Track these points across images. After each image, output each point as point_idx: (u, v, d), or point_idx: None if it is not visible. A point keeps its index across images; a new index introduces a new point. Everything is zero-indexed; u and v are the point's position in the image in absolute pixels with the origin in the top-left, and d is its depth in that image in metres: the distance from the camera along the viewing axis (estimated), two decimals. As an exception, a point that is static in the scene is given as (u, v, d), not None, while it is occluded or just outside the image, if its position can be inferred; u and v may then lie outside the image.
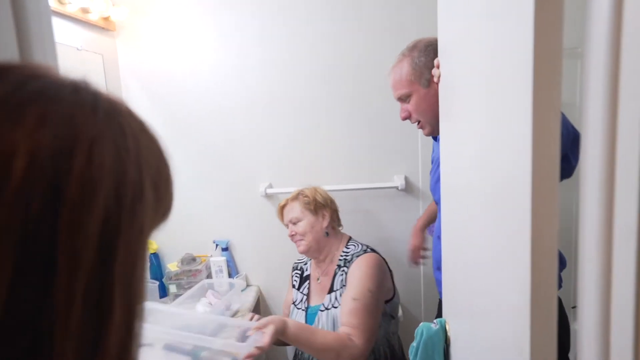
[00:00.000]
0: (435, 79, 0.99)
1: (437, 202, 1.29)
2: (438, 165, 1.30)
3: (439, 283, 1.30)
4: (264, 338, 1.12)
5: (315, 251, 1.44)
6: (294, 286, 1.55)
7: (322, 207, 1.44)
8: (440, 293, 1.32)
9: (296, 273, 1.58)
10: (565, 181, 0.96)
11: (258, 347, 1.12)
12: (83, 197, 0.28)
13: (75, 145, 0.28)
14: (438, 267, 1.28)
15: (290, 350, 1.86)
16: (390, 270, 1.42)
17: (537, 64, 0.50)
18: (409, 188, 1.83)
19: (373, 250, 1.40)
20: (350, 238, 1.48)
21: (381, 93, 1.79)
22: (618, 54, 0.42)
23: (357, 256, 1.36)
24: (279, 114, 1.86)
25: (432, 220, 1.56)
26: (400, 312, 1.77)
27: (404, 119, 1.25)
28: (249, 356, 1.13)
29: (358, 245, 1.43)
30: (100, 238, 0.29)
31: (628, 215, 0.41)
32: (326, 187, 1.79)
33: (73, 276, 0.28)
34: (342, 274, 1.36)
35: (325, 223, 1.43)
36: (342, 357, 1.20)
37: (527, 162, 0.52)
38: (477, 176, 0.74)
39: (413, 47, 1.19)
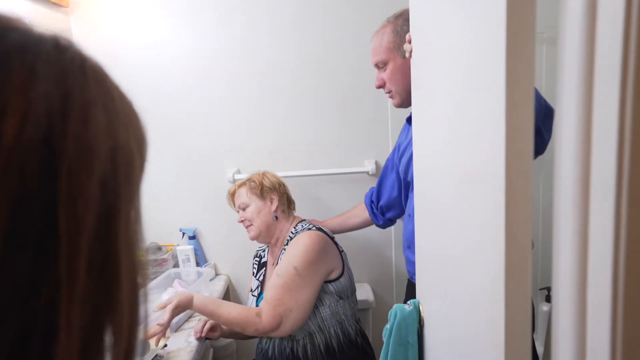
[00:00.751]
0: (407, 54, 0.97)
1: (409, 181, 1.28)
2: (404, 150, 1.30)
3: (408, 262, 1.30)
4: (164, 315, 1.20)
5: (266, 236, 1.43)
6: (253, 274, 1.53)
7: (270, 190, 1.43)
8: (409, 272, 1.32)
9: (255, 260, 1.57)
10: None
11: (159, 324, 1.20)
12: (81, 160, 0.27)
13: (69, 106, 0.27)
14: (408, 246, 1.28)
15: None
16: (342, 251, 1.40)
17: (510, 39, 0.48)
18: (379, 173, 1.81)
19: (320, 229, 1.37)
20: (302, 220, 1.46)
21: (352, 77, 1.76)
22: (593, 37, 0.40)
23: (300, 232, 1.35)
24: (247, 97, 1.80)
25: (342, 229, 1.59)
26: (372, 298, 1.77)
27: (378, 87, 1.25)
28: (151, 335, 1.21)
29: (305, 225, 1.40)
30: (100, 203, 0.28)
31: (605, 207, 0.40)
32: (296, 172, 1.77)
33: (75, 242, 0.27)
34: (283, 252, 1.35)
35: (273, 207, 1.42)
36: (247, 331, 1.23)
37: (501, 141, 0.51)
38: (449, 156, 0.72)
39: (399, 15, 1.19)
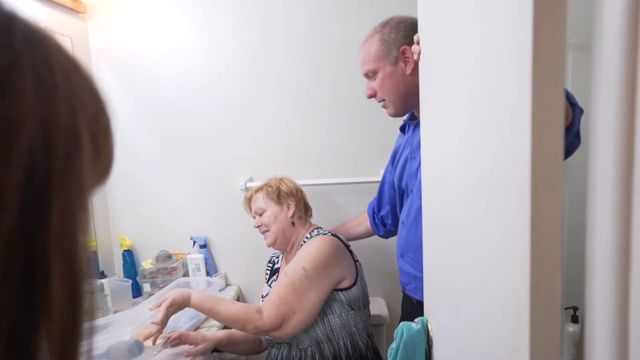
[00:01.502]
0: (415, 56, 0.93)
1: (404, 188, 1.24)
2: (399, 158, 1.26)
3: (401, 272, 1.24)
4: (158, 313, 1.16)
5: (282, 242, 1.40)
6: (267, 281, 1.49)
7: (287, 196, 1.40)
8: (402, 282, 1.25)
9: (268, 266, 1.53)
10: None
11: (153, 323, 1.17)
12: None
13: None
14: (402, 255, 1.22)
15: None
16: (357, 261, 1.34)
17: (537, 36, 0.42)
18: (396, 182, 1.74)
19: (335, 236, 1.32)
20: (318, 227, 1.42)
21: (364, 83, 1.70)
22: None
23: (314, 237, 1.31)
24: (261, 104, 1.77)
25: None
26: (386, 313, 1.69)
27: (369, 97, 1.22)
28: (147, 335, 1.19)
29: (320, 231, 1.37)
30: (24, 194, 0.24)
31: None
32: (310, 181, 1.71)
33: None
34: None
35: (290, 212, 1.38)
36: (246, 329, 1.18)
37: (526, 142, 0.44)
38: (465, 162, 0.65)
39: (385, 23, 1.16)
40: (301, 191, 1.45)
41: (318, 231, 1.37)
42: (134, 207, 1.86)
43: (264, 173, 1.79)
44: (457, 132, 0.69)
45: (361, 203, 1.76)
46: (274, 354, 1.35)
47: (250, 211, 1.47)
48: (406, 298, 1.28)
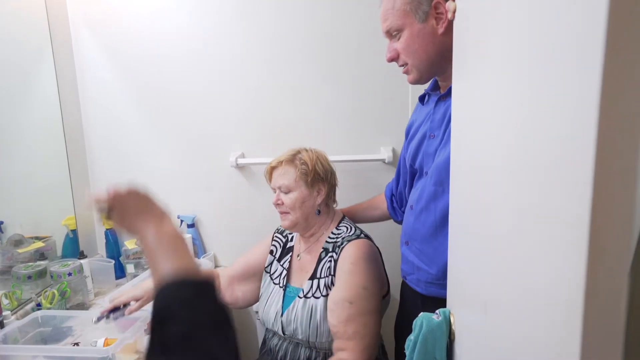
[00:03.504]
0: (450, 15, 0.80)
1: (417, 168, 1.12)
2: (415, 132, 1.12)
3: (404, 260, 1.13)
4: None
5: (303, 228, 1.25)
6: (271, 252, 1.34)
7: (321, 181, 1.23)
8: (403, 271, 1.15)
9: (278, 238, 1.36)
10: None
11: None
12: None
13: None
14: (407, 242, 1.12)
15: (259, 334, 1.70)
16: (382, 260, 1.24)
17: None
18: (397, 161, 1.65)
19: (367, 236, 1.22)
20: (343, 217, 1.30)
21: (367, 54, 1.60)
22: None
23: (348, 241, 1.18)
24: (253, 77, 1.66)
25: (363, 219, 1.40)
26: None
27: (390, 60, 1.05)
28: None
29: (351, 227, 1.24)
30: None
31: None
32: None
33: None
34: (329, 261, 1.18)
35: (319, 199, 1.23)
36: None
37: (593, 126, 0.35)
38: (512, 145, 0.56)
39: None
40: (334, 174, 1.29)
41: (347, 227, 1.24)
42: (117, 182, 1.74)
43: (256, 149, 1.69)
44: (504, 111, 0.59)
45: (360, 183, 1.67)
46: (276, 345, 1.26)
47: (271, 182, 1.28)
48: (405, 286, 1.19)
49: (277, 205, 1.24)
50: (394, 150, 1.65)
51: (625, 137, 0.36)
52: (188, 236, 1.69)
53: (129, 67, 1.68)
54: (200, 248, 1.76)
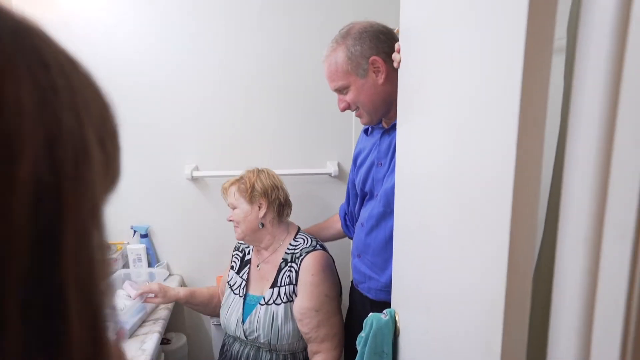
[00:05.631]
0: (395, 64, 0.97)
1: (367, 191, 1.27)
2: (363, 160, 1.28)
3: (356, 271, 1.29)
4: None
5: (252, 240, 1.39)
6: (232, 267, 1.47)
7: (260, 195, 1.34)
8: (355, 280, 1.31)
9: (237, 254, 1.50)
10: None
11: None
12: None
13: None
14: (358, 255, 1.27)
15: (215, 338, 1.78)
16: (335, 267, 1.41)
17: (528, 53, 0.48)
18: (342, 175, 1.82)
19: (322, 247, 1.38)
20: (299, 229, 1.44)
21: (315, 75, 1.73)
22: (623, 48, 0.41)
23: (307, 252, 1.32)
24: (207, 92, 1.73)
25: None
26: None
27: (343, 109, 1.19)
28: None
29: (307, 239, 1.38)
30: (33, 223, 0.21)
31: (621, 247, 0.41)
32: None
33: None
34: (289, 270, 1.32)
35: (261, 213, 1.34)
36: None
37: (511, 160, 0.52)
38: (444, 169, 0.73)
39: (346, 34, 1.12)
40: (278, 189, 1.38)
41: (304, 240, 1.37)
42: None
43: (210, 162, 1.77)
44: (439, 147, 0.75)
45: (307, 196, 1.82)
46: (238, 351, 1.36)
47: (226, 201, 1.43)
48: (355, 292, 1.33)
49: (229, 220, 1.39)
50: (339, 165, 1.81)
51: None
52: (142, 246, 1.73)
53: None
54: (153, 257, 1.80)
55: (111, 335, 0.27)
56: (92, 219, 0.25)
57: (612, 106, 0.42)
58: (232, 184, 1.39)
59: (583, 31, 0.44)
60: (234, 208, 1.37)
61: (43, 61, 0.22)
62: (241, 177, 1.40)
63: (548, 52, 0.49)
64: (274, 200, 1.37)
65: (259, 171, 1.41)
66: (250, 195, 1.34)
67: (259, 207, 1.35)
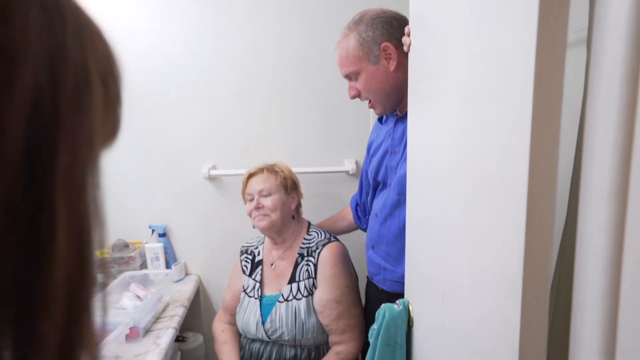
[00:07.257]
0: (405, 48, 0.94)
1: (380, 181, 1.24)
2: (377, 149, 1.26)
3: (370, 262, 1.26)
4: None
5: (277, 231, 1.34)
6: (244, 272, 1.44)
7: (294, 188, 1.39)
8: (370, 272, 1.28)
9: (246, 258, 1.46)
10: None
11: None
12: None
13: None
14: (372, 246, 1.24)
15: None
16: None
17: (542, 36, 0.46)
18: (359, 173, 1.79)
19: (336, 239, 1.37)
20: (309, 224, 1.43)
21: (333, 74, 1.70)
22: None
23: (323, 245, 1.32)
24: (226, 91, 1.74)
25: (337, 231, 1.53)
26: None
27: (353, 97, 1.18)
28: None
29: (320, 232, 1.38)
30: (29, 131, 0.21)
31: None
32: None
33: None
34: (307, 264, 1.30)
35: (293, 206, 1.38)
36: None
37: (525, 143, 0.48)
38: (457, 154, 0.69)
39: (359, 21, 1.12)
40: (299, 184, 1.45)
41: (317, 232, 1.37)
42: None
43: (228, 161, 1.77)
44: (452, 131, 0.72)
45: (325, 193, 1.79)
46: (260, 350, 1.33)
47: (247, 188, 1.37)
48: (371, 284, 1.31)
49: (255, 209, 1.32)
50: (357, 163, 1.78)
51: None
52: (160, 245, 1.74)
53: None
54: (171, 256, 1.81)
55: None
56: (87, 145, 0.25)
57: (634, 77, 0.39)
58: (268, 171, 1.36)
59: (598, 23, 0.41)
60: (267, 195, 1.33)
61: None
62: (274, 166, 1.38)
63: (563, 28, 0.46)
64: (301, 194, 1.42)
65: (286, 165, 1.44)
66: (290, 186, 1.37)
67: (293, 199, 1.38)
